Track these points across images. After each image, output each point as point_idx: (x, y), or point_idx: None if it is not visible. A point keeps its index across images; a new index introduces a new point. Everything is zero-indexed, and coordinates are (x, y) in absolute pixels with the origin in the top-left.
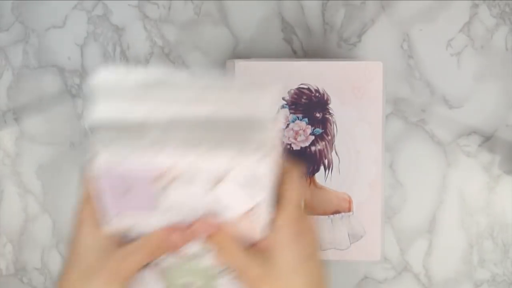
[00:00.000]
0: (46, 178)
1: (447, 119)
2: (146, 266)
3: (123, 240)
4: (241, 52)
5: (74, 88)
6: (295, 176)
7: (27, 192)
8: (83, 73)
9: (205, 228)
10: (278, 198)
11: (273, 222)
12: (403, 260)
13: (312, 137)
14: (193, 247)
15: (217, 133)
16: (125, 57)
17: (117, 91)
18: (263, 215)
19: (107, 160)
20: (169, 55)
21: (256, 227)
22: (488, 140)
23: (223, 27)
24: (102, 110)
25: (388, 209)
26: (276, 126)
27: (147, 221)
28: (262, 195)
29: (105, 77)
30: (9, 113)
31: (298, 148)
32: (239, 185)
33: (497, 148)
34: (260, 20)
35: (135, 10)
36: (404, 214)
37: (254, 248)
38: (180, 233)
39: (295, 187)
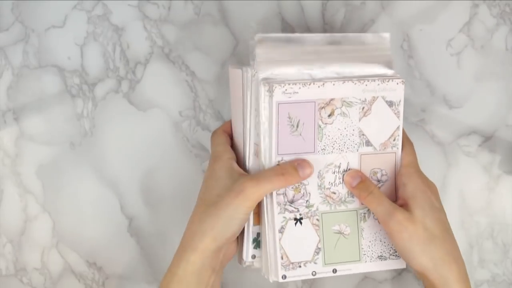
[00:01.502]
0: (46, 178)
1: (447, 119)
2: (302, 218)
3: None
4: (241, 52)
5: (74, 88)
6: (409, 146)
7: (27, 192)
8: (83, 73)
9: (354, 176)
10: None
11: (401, 182)
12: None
13: None
14: (341, 192)
15: (362, 69)
16: (125, 57)
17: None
18: (398, 145)
19: (283, 93)
20: (169, 55)
21: (393, 161)
22: (488, 140)
23: (223, 27)
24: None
25: None
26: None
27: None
28: (397, 123)
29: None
30: (9, 113)
31: None
32: (379, 115)
33: (497, 148)
34: (260, 20)
35: (135, 10)
36: None
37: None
38: (305, 164)
39: (411, 153)
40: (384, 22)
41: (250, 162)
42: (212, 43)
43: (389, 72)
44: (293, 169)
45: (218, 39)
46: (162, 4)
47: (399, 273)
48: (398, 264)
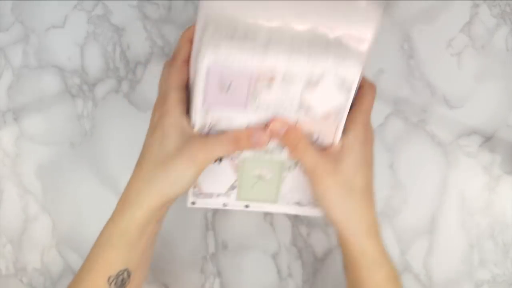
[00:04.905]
0: (46, 178)
1: (448, 119)
2: (222, 158)
3: (203, 134)
4: None
5: (74, 88)
6: (371, 91)
7: (27, 192)
8: (83, 73)
9: (281, 125)
10: (352, 106)
11: (345, 127)
12: (404, 260)
13: None
14: (269, 143)
15: (317, 42)
16: (125, 57)
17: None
18: (342, 118)
19: (216, 55)
20: (169, 55)
21: (333, 130)
22: (488, 140)
23: None
24: (216, 7)
25: (388, 209)
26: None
27: (235, 118)
28: (345, 99)
29: None
30: (9, 113)
31: None
32: (328, 89)
33: (498, 148)
34: None
35: (135, 10)
36: (404, 214)
37: (324, 150)
38: (261, 134)
39: (370, 99)
40: (384, 22)
41: (197, 117)
42: None
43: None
44: (246, 137)
45: None
46: (162, 4)
47: (399, 273)
48: (314, 212)
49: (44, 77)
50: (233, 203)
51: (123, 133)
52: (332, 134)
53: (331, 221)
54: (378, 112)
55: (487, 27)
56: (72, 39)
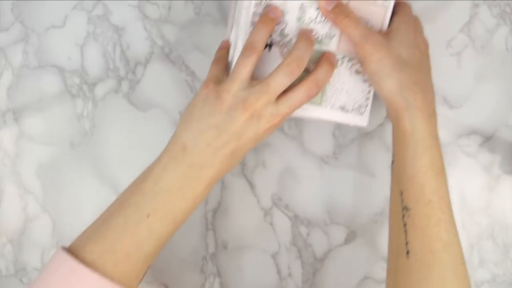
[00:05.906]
0: (46, 178)
1: (448, 119)
2: (272, 44)
3: None
4: None
5: (74, 88)
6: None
7: (27, 192)
8: (83, 73)
9: (329, 2)
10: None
11: (391, 20)
12: None
13: None
14: (319, 31)
15: None
16: (125, 57)
17: None
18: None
19: None
20: (169, 55)
21: (382, 14)
22: (488, 140)
23: (223, 27)
24: None
25: (389, 209)
26: None
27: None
28: None
29: None
30: (9, 113)
31: None
32: None
33: (498, 148)
34: None
35: (135, 10)
36: None
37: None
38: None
39: (408, 5)
40: None
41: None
42: (212, 43)
43: None
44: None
45: (218, 39)
46: (162, 4)
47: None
48: (359, 121)
49: (44, 77)
50: None
51: (123, 133)
52: (380, 20)
53: (384, 95)
54: (378, 112)
55: (487, 27)
56: (72, 39)
